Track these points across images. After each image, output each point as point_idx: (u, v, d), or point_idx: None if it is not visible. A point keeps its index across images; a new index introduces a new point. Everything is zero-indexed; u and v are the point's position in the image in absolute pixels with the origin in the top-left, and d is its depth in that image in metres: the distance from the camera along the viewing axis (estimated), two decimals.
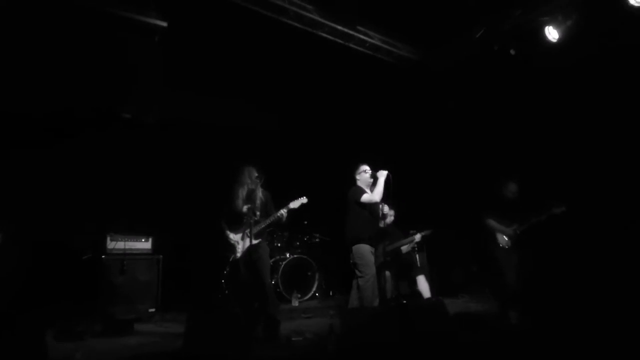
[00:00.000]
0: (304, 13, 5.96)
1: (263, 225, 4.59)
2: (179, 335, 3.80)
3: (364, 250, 4.66)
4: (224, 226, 4.74)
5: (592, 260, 5.41)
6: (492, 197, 6.10)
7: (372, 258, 4.67)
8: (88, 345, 4.14)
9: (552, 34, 5.84)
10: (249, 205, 4.55)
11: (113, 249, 5.14)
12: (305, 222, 7.48)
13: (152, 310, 5.16)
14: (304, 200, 4.65)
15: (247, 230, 4.52)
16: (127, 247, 5.22)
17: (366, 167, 4.98)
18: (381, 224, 5.99)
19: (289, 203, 4.62)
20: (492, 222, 5.92)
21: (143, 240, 5.39)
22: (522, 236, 5.76)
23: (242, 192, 4.66)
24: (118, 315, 4.79)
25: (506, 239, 5.82)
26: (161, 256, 5.36)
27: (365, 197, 4.78)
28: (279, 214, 4.57)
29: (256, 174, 4.67)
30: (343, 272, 6.37)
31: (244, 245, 4.57)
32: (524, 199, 5.92)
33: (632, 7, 5.13)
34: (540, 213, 5.61)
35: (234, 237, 4.66)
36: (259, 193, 4.65)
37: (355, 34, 6.48)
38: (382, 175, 4.73)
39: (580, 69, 5.83)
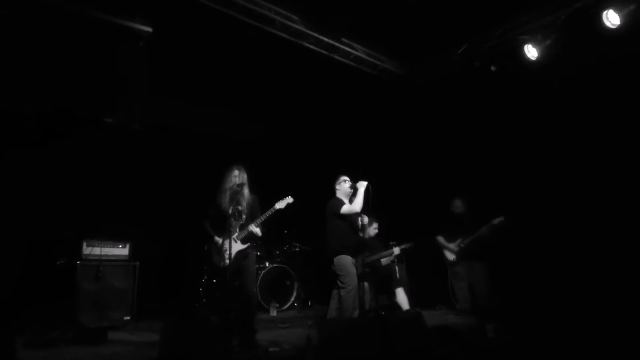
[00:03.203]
0: (290, 24, 6.02)
1: (250, 230, 4.46)
2: (154, 344, 3.75)
3: (346, 262, 4.68)
4: (210, 231, 4.54)
5: (542, 271, 5.57)
6: (442, 214, 6.50)
7: (354, 270, 4.70)
8: (60, 354, 4.02)
9: (531, 52, 6.01)
10: (237, 207, 4.41)
11: (89, 255, 5.04)
12: (286, 232, 7.47)
13: (128, 318, 5.06)
14: (289, 200, 4.55)
15: (235, 235, 4.41)
16: (103, 253, 5.12)
17: (346, 178, 5.01)
18: (365, 236, 6.06)
19: (274, 205, 4.52)
20: (440, 239, 6.41)
21: (120, 246, 5.30)
22: (468, 250, 6.12)
23: (228, 193, 4.49)
24: (92, 323, 4.67)
25: (452, 254, 6.26)
26: (138, 263, 5.27)
27: (345, 209, 4.80)
28: (264, 216, 4.46)
29: (243, 174, 4.55)
30: (322, 283, 6.37)
31: (231, 251, 4.33)
32: (470, 214, 6.29)
33: (608, 29, 5.32)
34: (480, 226, 6.02)
35: (225, 243, 4.40)
36: (246, 194, 4.51)
37: (341, 46, 6.57)
38: (362, 186, 4.75)
39: (557, 88, 6.00)
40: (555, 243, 5.57)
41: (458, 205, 6.40)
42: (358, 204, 4.72)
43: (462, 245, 6.17)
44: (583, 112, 5.79)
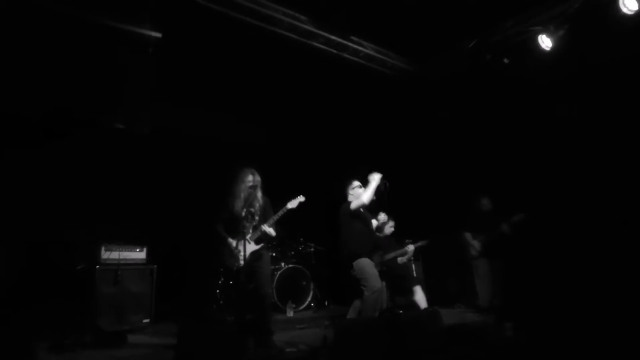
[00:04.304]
0: (298, 24, 6.00)
1: (263, 230, 4.45)
2: (172, 347, 3.78)
3: (365, 264, 4.58)
4: (222, 232, 4.56)
5: (560, 269, 5.47)
6: (468, 210, 6.49)
7: (375, 270, 4.59)
8: (79, 357, 4.09)
9: (545, 42, 5.89)
10: (249, 209, 4.42)
11: (107, 259, 5.10)
12: (300, 234, 7.46)
13: (146, 320, 5.12)
14: (301, 199, 4.55)
15: (248, 236, 4.43)
16: (121, 257, 5.18)
17: (358, 183, 4.97)
18: (381, 234, 6.03)
19: (286, 204, 4.53)
20: (466, 235, 6.39)
21: (138, 250, 5.36)
22: (490, 247, 6.13)
23: (241, 195, 4.51)
24: (111, 326, 4.74)
25: (475, 250, 6.28)
26: (155, 266, 5.33)
27: (354, 203, 4.75)
28: (277, 216, 4.48)
29: (256, 177, 4.57)
30: (338, 282, 6.36)
31: (245, 252, 4.32)
32: (494, 211, 6.29)
33: (625, 15, 5.17)
34: (501, 223, 6.04)
35: (239, 244, 4.39)
36: (258, 197, 4.54)
37: (350, 43, 6.52)
38: (374, 179, 4.68)
39: (571, 79, 5.87)
40: (572, 240, 5.47)
41: (485, 203, 6.44)
42: (367, 195, 4.65)
43: (484, 242, 6.19)
44: (598, 105, 5.66)
